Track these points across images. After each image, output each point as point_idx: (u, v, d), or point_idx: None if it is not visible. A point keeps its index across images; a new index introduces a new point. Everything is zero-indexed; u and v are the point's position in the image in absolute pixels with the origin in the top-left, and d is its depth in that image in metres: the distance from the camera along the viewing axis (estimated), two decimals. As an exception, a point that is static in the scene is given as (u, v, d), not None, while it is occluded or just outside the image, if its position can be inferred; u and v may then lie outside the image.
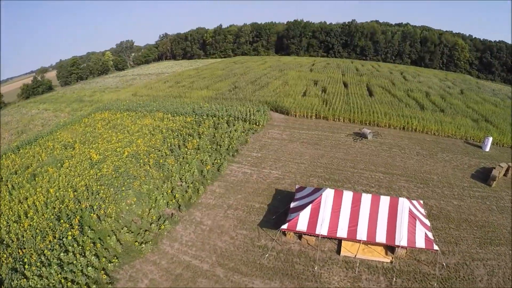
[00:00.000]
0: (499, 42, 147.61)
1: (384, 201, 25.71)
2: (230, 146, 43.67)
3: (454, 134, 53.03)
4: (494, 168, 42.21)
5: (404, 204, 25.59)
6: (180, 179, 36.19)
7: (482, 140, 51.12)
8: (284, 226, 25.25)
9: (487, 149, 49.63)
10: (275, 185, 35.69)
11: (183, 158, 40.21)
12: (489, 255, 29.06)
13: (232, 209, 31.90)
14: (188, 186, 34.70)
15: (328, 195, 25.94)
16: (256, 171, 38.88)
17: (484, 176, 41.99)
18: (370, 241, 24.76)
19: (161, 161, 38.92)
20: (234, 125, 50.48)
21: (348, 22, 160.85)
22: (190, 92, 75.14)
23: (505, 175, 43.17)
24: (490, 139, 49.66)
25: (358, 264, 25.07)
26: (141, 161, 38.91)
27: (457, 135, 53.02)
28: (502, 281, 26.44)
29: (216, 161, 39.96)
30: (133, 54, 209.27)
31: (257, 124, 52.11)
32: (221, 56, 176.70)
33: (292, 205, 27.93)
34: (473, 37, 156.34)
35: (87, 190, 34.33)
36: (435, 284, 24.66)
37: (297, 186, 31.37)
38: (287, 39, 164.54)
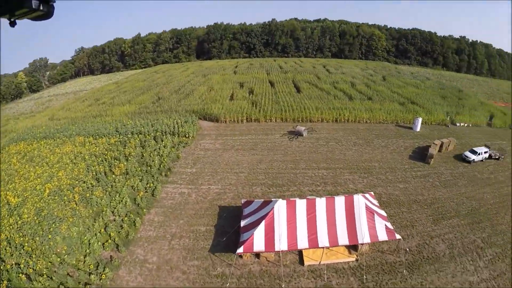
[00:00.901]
0: (413, 30, 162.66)
1: (339, 201, 24.57)
2: (161, 165, 39.61)
3: (385, 119, 55.24)
4: (430, 146, 44.14)
5: (360, 201, 24.81)
6: (113, 212, 31.35)
7: (412, 121, 53.81)
8: (240, 250, 22.66)
9: (418, 129, 52.36)
10: (217, 201, 32.63)
11: (111, 187, 35.39)
12: (444, 230, 30.51)
13: (177, 238, 28.12)
14: (122, 220, 30.18)
15: (280, 207, 23.98)
16: (194, 189, 35.25)
17: (420, 155, 43.76)
18: (333, 246, 23.54)
19: (88, 194, 33.77)
20: (162, 141, 46.15)
21: (268, 22, 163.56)
22: (112, 109, 68.48)
23: (439, 151, 45.36)
24: (420, 119, 52.56)
25: (325, 271, 23.74)
26: (65, 198, 33.00)
27: (388, 120, 55.30)
28: (463, 250, 28.04)
29: (148, 185, 35.74)
30: (48, 72, 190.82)
31: (187, 136, 48.27)
32: (141, 67, 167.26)
33: (243, 223, 25.36)
34: (389, 27, 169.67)
35: (10, 244, 28.40)
36: (404, 271, 24.74)
37: (243, 201, 28.73)
38: (208, 43, 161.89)
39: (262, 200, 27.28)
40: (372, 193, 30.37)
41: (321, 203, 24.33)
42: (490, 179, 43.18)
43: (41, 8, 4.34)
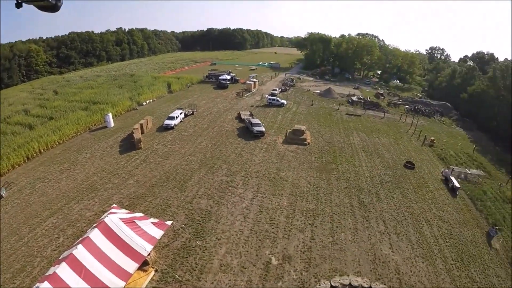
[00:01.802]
0: (70, 34, 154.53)
1: (96, 235, 20.33)
2: None
3: (77, 130, 49.70)
4: (132, 133, 44.60)
5: (113, 220, 21.64)
6: None
7: (104, 120, 51.95)
8: None
9: (112, 124, 51.47)
10: None
11: None
12: (194, 190, 33.33)
13: None
14: None
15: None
16: None
17: (130, 145, 43.82)
18: (128, 279, 19.90)
19: None
20: None
21: None
22: None
23: (142, 133, 46.88)
24: (109, 114, 51.52)
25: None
26: None
27: (79, 130, 50.04)
28: (221, 192, 32.31)
29: None
30: None
31: None
32: None
33: None
34: (45, 38, 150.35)
35: None
36: (198, 242, 25.65)
37: None
38: None
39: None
40: (114, 205, 27.34)
41: (81, 252, 19.16)
42: (196, 131, 50.33)
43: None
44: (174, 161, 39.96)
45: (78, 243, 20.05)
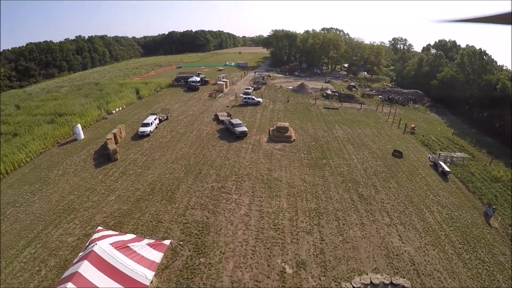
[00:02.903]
0: (28, 44, 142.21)
1: (87, 268, 17.03)
2: None
3: (45, 146, 42.65)
4: (106, 143, 40.99)
5: (104, 247, 18.41)
6: None
7: (73, 132, 46.98)
8: None
9: (82, 136, 46.69)
10: None
11: None
12: (184, 201, 30.03)
13: None
14: None
15: None
16: None
17: (104, 157, 40.07)
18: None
19: None
20: None
21: None
22: None
23: (117, 143, 43.27)
24: (79, 126, 46.52)
25: None
26: None
27: (48, 145, 42.91)
28: (213, 199, 28.21)
29: None
30: None
31: None
32: None
33: None
34: (1, 50, 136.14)
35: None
36: (201, 259, 23.02)
37: None
38: None
39: None
40: (100, 227, 23.56)
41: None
42: (174, 136, 47.06)
43: None
44: (157, 170, 36.76)
45: (66, 281, 16.40)
